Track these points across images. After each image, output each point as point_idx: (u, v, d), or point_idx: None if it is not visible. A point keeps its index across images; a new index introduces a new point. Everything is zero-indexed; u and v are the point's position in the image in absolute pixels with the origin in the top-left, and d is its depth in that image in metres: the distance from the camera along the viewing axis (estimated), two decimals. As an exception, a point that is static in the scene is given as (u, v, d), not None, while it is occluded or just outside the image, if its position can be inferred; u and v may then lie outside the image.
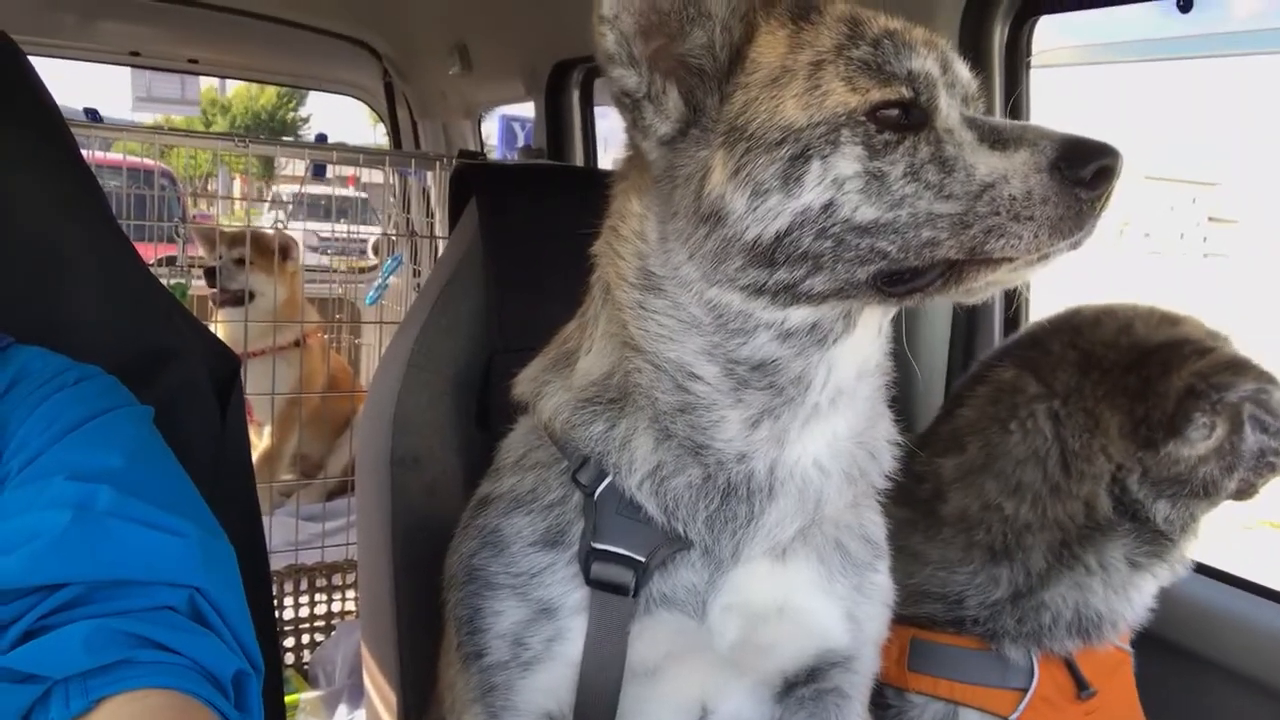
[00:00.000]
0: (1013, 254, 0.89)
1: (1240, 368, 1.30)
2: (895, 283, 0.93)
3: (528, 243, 1.83)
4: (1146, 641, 1.47)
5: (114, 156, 3.28)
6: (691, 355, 1.01)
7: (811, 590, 1.10)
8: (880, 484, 1.14)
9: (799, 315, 0.98)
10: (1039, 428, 1.37)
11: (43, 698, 0.76)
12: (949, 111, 0.95)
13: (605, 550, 1.04)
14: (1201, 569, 1.64)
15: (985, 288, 0.95)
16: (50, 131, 1.36)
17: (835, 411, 1.04)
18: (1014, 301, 1.77)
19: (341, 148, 2.82)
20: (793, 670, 1.14)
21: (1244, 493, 1.37)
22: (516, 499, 1.11)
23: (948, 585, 1.40)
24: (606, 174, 1.95)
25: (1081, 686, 1.37)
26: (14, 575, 0.80)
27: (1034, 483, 1.36)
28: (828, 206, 0.91)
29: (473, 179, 1.88)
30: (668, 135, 0.99)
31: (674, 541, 1.04)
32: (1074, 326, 1.39)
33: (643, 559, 1.04)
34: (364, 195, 5.44)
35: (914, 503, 1.41)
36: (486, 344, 1.80)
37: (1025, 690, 1.36)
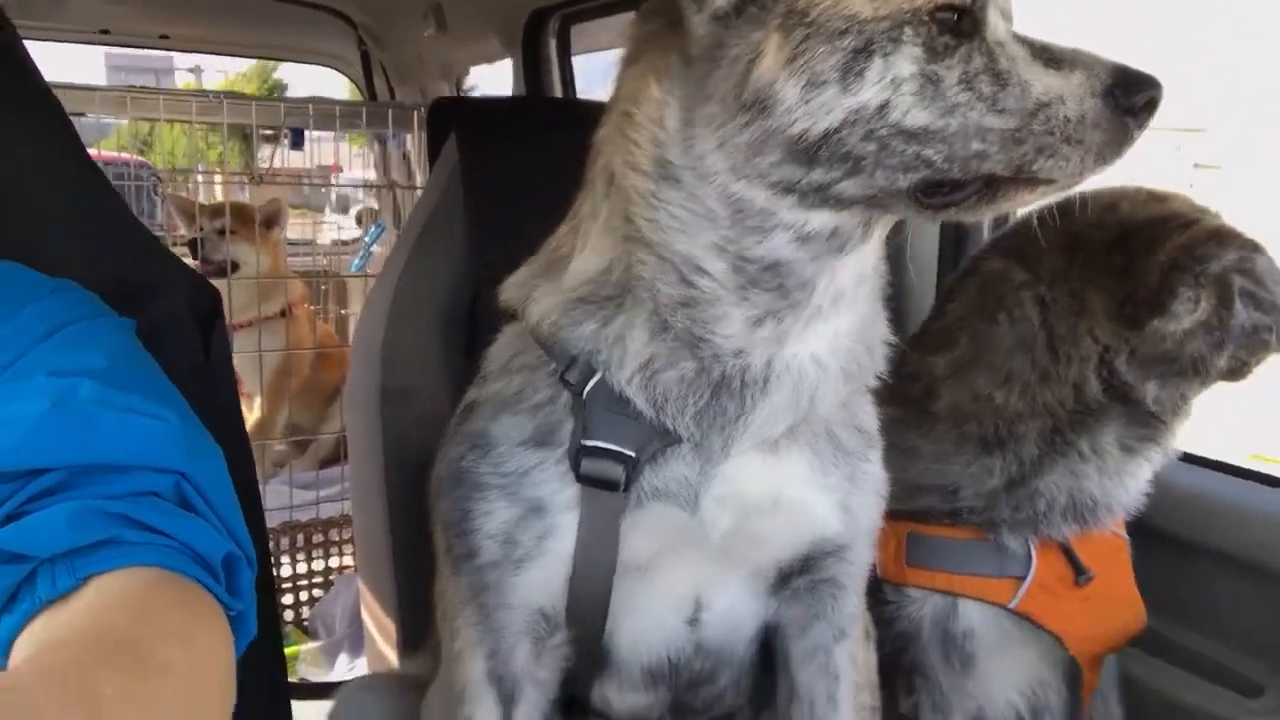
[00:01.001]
0: (1057, 176, 0.88)
1: (1224, 237, 1.28)
2: (932, 194, 0.91)
3: (509, 178, 1.82)
4: (1141, 530, 1.48)
5: (96, 153, 3.25)
6: (701, 249, 0.99)
7: (804, 481, 1.10)
8: (873, 382, 1.14)
9: (821, 219, 0.96)
10: (1026, 315, 1.36)
11: (29, 577, 0.74)
12: (997, 23, 0.92)
13: (595, 447, 1.04)
14: (1191, 458, 1.66)
15: (1015, 207, 0.94)
16: (15, 68, 1.34)
17: (837, 312, 1.03)
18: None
19: (318, 101, 2.79)
20: (787, 561, 1.14)
21: (1236, 372, 1.35)
22: (503, 402, 1.11)
23: (943, 477, 1.40)
24: (588, 105, 1.95)
25: (1079, 572, 1.38)
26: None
27: (1023, 371, 1.36)
28: (883, 107, 0.87)
29: (451, 115, 1.87)
30: (724, 9, 0.93)
31: (664, 436, 1.04)
32: (1061, 211, 1.39)
33: (633, 454, 1.03)
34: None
35: (907, 401, 1.41)
36: (472, 280, 1.80)
37: (1023, 578, 1.37)
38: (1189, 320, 1.29)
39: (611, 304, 1.04)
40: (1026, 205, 0.95)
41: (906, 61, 0.88)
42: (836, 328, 1.04)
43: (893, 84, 0.88)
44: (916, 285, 1.73)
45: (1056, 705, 1.47)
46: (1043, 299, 1.36)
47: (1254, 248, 1.30)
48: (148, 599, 0.73)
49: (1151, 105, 0.88)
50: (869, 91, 0.88)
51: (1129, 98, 0.87)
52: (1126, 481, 1.40)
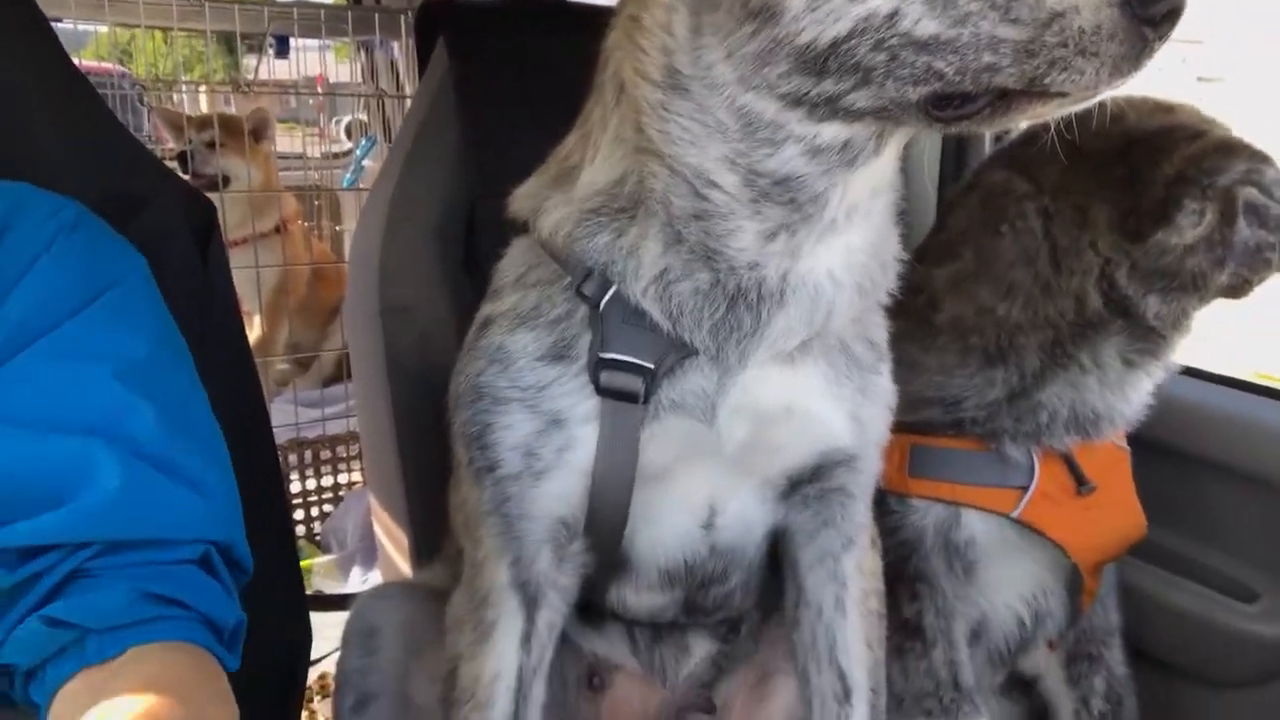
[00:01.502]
0: (1071, 89, 0.84)
1: (1232, 149, 1.25)
2: (943, 106, 0.88)
3: (503, 84, 1.77)
4: (1141, 442, 1.49)
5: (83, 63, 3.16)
6: (712, 162, 0.96)
7: (818, 393, 1.10)
8: (885, 298, 1.13)
9: (832, 131, 0.93)
10: (1029, 227, 1.34)
11: (78, 639, 0.85)
12: None
13: (614, 359, 1.03)
14: (1192, 371, 1.66)
15: (1028, 120, 0.91)
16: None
17: (851, 226, 1.01)
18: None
19: (303, 5, 2.69)
20: (797, 470, 1.15)
21: (1237, 289, 1.34)
22: (520, 316, 1.10)
23: (945, 389, 1.40)
24: (582, 8, 1.89)
25: (1081, 482, 1.39)
26: (65, 530, 0.86)
27: (1025, 282, 1.35)
28: (892, 15, 0.84)
29: (439, 19, 1.80)
30: None
31: (681, 348, 1.04)
32: (1065, 121, 1.35)
33: (651, 366, 1.03)
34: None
35: (909, 314, 1.39)
36: (468, 189, 1.76)
37: (1026, 488, 1.38)
38: (1192, 234, 1.27)
39: (624, 216, 1.03)
40: (1039, 119, 0.91)
41: None
42: (850, 242, 1.03)
43: None
44: (921, 197, 1.70)
45: (1058, 611, 1.50)
46: (1046, 210, 1.33)
47: (1263, 159, 1.27)
48: (175, 678, 0.85)
49: (1173, 15, 0.84)
50: None
51: (1147, 7, 0.82)
52: (1128, 394, 1.39)
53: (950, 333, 1.41)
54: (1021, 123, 0.92)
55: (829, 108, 0.90)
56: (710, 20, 0.92)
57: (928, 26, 0.84)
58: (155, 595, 0.88)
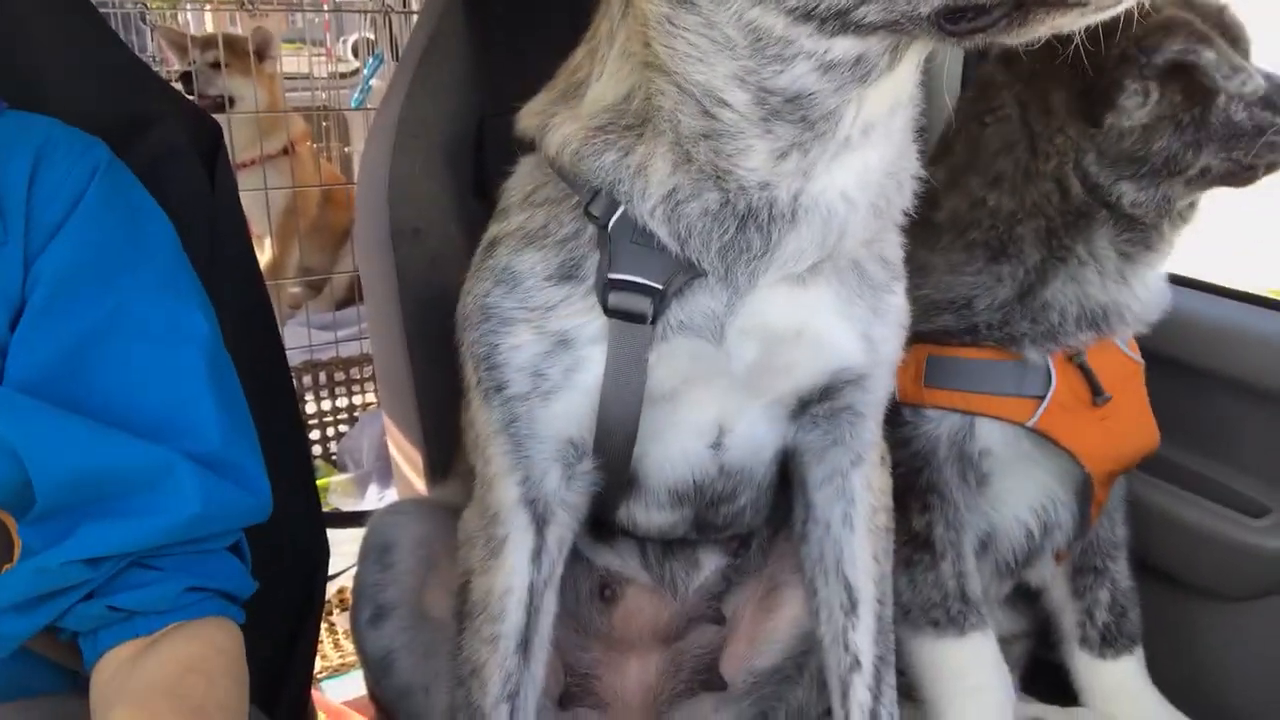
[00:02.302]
0: None
1: (1172, 27, 1.22)
2: (957, 20, 0.85)
3: (511, -4, 1.72)
4: (1150, 356, 1.48)
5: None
6: (721, 80, 0.94)
7: (830, 313, 1.09)
8: (900, 218, 1.11)
9: (843, 46, 0.90)
10: (1008, 115, 1.34)
11: (128, 617, 0.97)
12: None
13: (622, 280, 1.02)
14: (1202, 285, 1.64)
15: (1047, 31, 0.87)
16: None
17: (868, 143, 0.99)
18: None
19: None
20: (807, 390, 1.15)
21: (1238, 176, 1.29)
22: (528, 235, 1.09)
23: (954, 289, 1.39)
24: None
25: (1096, 392, 1.39)
26: (145, 541, 0.96)
27: (1008, 170, 1.35)
28: None
29: (446, -71, 1.75)
30: None
31: (689, 269, 1.03)
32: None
33: (660, 286, 1.02)
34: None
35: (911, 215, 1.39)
36: (477, 107, 1.73)
37: (1042, 398, 1.37)
38: (1141, 114, 1.25)
39: (632, 134, 1.01)
40: (1058, 29, 0.87)
41: None
42: (867, 160, 1.01)
43: None
44: (941, 112, 1.66)
45: (1066, 522, 1.51)
46: (1020, 98, 1.33)
47: (1201, 37, 1.23)
48: (199, 653, 0.98)
49: None
50: None
51: None
52: (1132, 285, 1.39)
53: (951, 230, 1.40)
54: (1041, 34, 0.88)
55: (839, 22, 0.87)
56: None
57: None
58: (203, 589, 1.01)
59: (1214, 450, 1.62)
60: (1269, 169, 1.29)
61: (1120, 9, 0.84)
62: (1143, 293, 1.40)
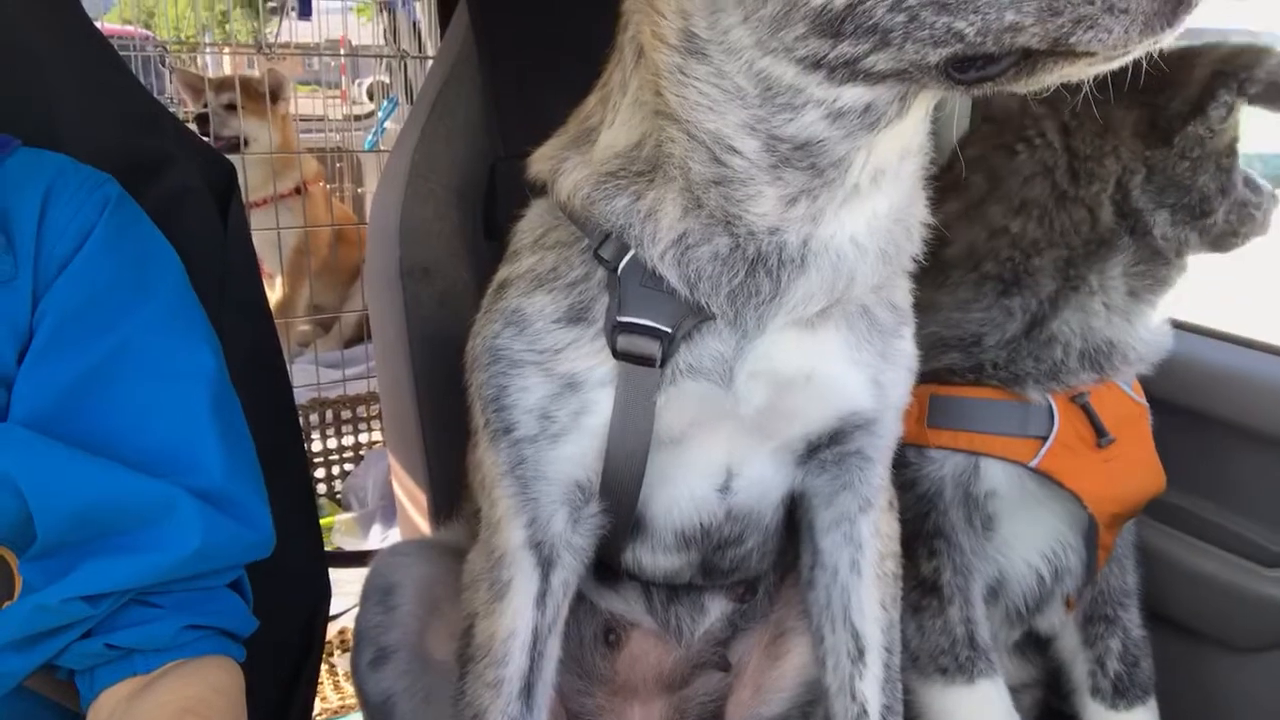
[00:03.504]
0: (1098, 48, 0.80)
1: (1262, 52, 1.30)
2: (965, 69, 0.86)
3: (525, 41, 1.76)
4: (1160, 403, 1.48)
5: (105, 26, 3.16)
6: (732, 128, 0.95)
7: (838, 358, 1.09)
8: (910, 264, 1.12)
9: (853, 94, 0.91)
10: (1048, 141, 1.37)
11: (126, 654, 0.97)
12: None
13: (631, 323, 1.03)
14: (1210, 331, 1.64)
15: (1055, 80, 0.87)
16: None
17: (877, 190, 1.00)
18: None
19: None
20: (815, 434, 1.15)
21: (1223, 239, 1.39)
22: (538, 278, 1.09)
23: (963, 326, 1.40)
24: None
25: (1100, 433, 1.38)
26: (146, 577, 0.96)
27: (1040, 196, 1.37)
28: None
29: (461, -23, 1.79)
30: None
31: (698, 313, 1.03)
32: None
33: (669, 330, 1.02)
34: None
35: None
36: (489, 150, 1.75)
37: (1045, 438, 1.37)
38: (1221, 128, 1.32)
39: (643, 179, 1.01)
40: (1068, 78, 0.87)
41: None
42: (875, 207, 1.01)
43: None
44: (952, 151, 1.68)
45: (1076, 567, 1.50)
46: (1065, 125, 1.36)
47: None
48: (197, 694, 0.97)
49: None
50: None
51: None
52: (1136, 324, 1.41)
53: (963, 265, 1.42)
54: (1050, 83, 0.89)
55: (848, 70, 0.88)
56: None
57: None
58: (201, 628, 1.00)
59: (1226, 498, 1.61)
60: (1245, 237, 1.41)
61: (1129, 58, 0.85)
62: (1144, 332, 1.42)
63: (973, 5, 0.81)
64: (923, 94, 0.94)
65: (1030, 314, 1.38)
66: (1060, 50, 0.83)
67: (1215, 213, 1.36)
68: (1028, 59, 0.85)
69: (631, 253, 1.02)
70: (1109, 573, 1.53)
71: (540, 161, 1.12)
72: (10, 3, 1.25)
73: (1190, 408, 1.57)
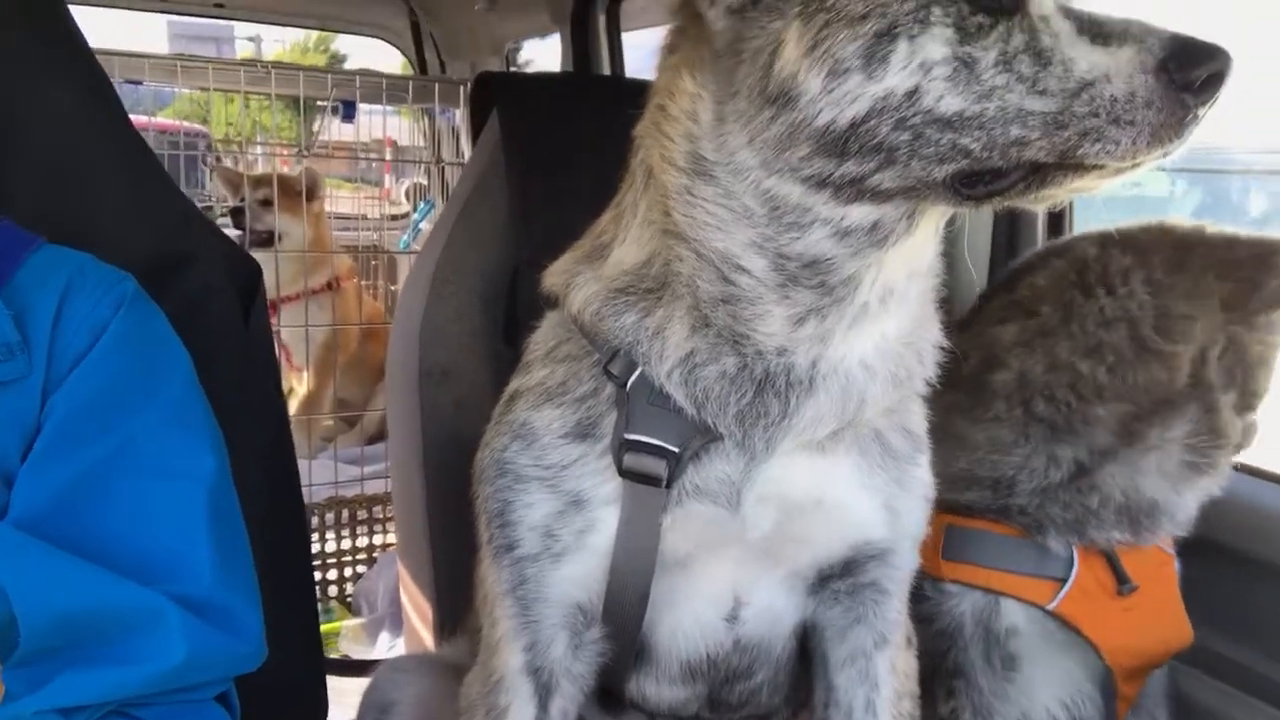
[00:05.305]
0: (1106, 160, 0.81)
1: None
2: (973, 184, 0.86)
3: (552, 154, 1.80)
4: (1198, 545, 1.43)
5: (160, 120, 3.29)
6: (740, 247, 0.96)
7: (850, 482, 1.07)
8: (922, 388, 1.10)
9: (860, 212, 0.92)
10: (1133, 292, 1.33)
11: None
12: None
13: (638, 441, 1.01)
14: (1249, 470, 1.59)
15: (1066, 194, 0.88)
16: (63, 35, 1.33)
17: (885, 311, 0.99)
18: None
19: (364, 74, 2.78)
20: (827, 562, 1.11)
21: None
22: (547, 392, 1.09)
23: (998, 469, 1.35)
24: (634, 84, 1.91)
25: (1122, 581, 1.33)
26: (128, 689, 0.93)
27: (1118, 343, 1.32)
28: (912, 93, 0.83)
29: (495, 89, 1.84)
30: (738, 2, 0.91)
31: (706, 433, 1.01)
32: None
33: (676, 450, 1.01)
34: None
35: (956, 381, 1.35)
36: (512, 257, 1.77)
37: (1064, 580, 1.32)
38: None
39: (651, 297, 1.02)
40: (1077, 192, 0.88)
41: (936, 44, 0.83)
42: (885, 329, 1.00)
43: (921, 69, 0.83)
44: (966, 285, 1.67)
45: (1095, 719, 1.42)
46: (1154, 280, 1.33)
47: None
48: None
49: (1215, 81, 0.80)
50: (895, 78, 0.84)
51: (1185, 72, 0.79)
52: (1182, 492, 1.36)
53: (1010, 398, 1.37)
54: (1060, 197, 0.89)
55: (854, 189, 0.89)
56: (732, 107, 0.93)
57: (951, 103, 0.83)
58: None
59: (1268, 646, 1.53)
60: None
61: (1139, 172, 0.85)
62: (1187, 502, 1.37)
63: (977, 121, 0.82)
64: (931, 210, 0.94)
65: (1080, 464, 1.34)
66: (1069, 163, 0.83)
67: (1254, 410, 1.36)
68: (1036, 172, 0.85)
69: (640, 369, 1.02)
70: (1141, 723, 1.45)
71: (554, 275, 1.13)
72: (61, 100, 1.30)
73: (1231, 548, 1.51)
